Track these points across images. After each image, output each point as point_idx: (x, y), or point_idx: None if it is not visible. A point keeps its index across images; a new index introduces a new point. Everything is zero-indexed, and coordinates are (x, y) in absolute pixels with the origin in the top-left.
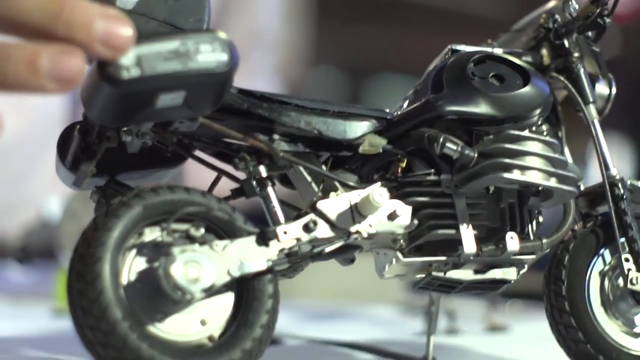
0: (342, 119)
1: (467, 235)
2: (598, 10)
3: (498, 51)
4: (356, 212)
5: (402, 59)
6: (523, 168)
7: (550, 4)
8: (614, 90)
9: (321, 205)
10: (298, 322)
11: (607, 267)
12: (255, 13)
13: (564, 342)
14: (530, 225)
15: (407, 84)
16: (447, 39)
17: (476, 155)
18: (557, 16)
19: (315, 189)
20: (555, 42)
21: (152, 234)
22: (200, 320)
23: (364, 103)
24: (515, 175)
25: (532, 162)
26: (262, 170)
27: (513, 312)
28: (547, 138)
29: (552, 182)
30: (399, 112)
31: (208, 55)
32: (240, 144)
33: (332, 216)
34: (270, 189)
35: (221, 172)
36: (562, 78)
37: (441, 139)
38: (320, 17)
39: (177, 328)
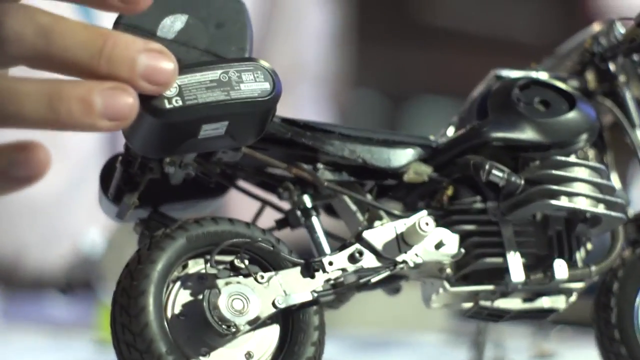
0: (386, 147)
1: (515, 263)
2: None
3: (543, 75)
4: (402, 242)
5: (442, 82)
6: (570, 195)
7: (595, 28)
8: None
9: (367, 235)
10: (344, 353)
11: None
12: (298, 43)
13: None
14: (578, 253)
15: (447, 106)
16: (486, 62)
17: (523, 182)
18: (602, 40)
19: (360, 218)
20: (601, 66)
21: (196, 266)
22: (246, 353)
23: (404, 125)
24: (563, 202)
25: (580, 189)
26: (307, 200)
27: (560, 339)
28: (594, 164)
29: (600, 209)
30: (443, 139)
31: (251, 84)
32: (284, 174)
33: (378, 246)
34: (315, 219)
35: (265, 203)
36: (608, 103)
37: (487, 166)
38: (360, 40)
39: None
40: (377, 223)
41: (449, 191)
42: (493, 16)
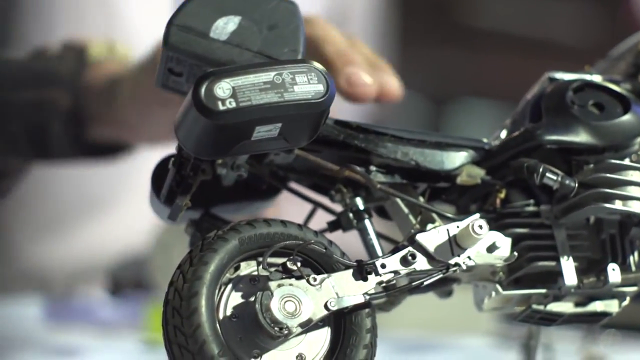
0: (439, 149)
1: (568, 267)
2: None
3: (597, 78)
4: (455, 245)
5: (485, 84)
6: (625, 198)
7: None
8: None
9: (420, 237)
10: (391, 355)
11: None
12: None
13: None
14: (632, 257)
15: (490, 109)
16: (529, 64)
17: (576, 185)
18: None
19: (413, 220)
20: None
21: (248, 268)
22: (297, 356)
23: (447, 128)
24: (617, 205)
25: (634, 192)
26: (359, 202)
27: (610, 342)
28: None
29: None
30: (496, 142)
31: (304, 86)
32: (337, 176)
33: (431, 249)
34: (367, 222)
35: (317, 205)
36: None
37: (541, 169)
38: (403, 41)
39: None
40: (429, 226)
41: (502, 194)
42: (536, 18)
